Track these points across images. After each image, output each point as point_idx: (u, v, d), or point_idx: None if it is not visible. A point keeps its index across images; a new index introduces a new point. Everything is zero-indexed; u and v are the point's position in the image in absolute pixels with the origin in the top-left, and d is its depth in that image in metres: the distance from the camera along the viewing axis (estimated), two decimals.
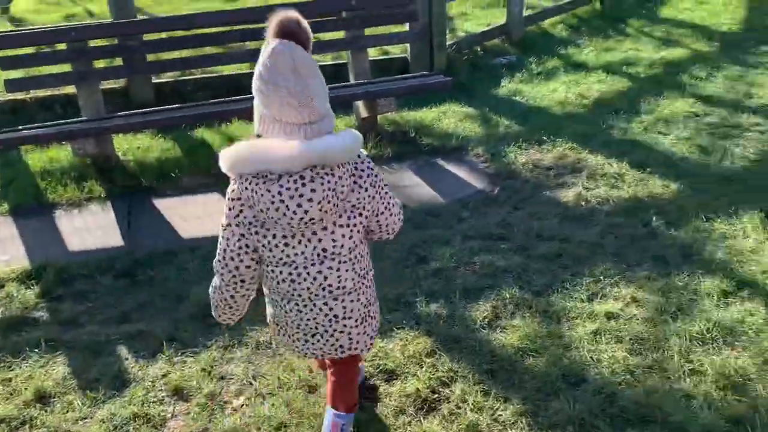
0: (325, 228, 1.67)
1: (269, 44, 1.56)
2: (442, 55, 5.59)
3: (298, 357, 2.28)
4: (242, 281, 1.76)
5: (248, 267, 1.73)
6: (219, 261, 1.74)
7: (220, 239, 1.72)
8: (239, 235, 1.68)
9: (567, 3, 7.16)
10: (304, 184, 1.56)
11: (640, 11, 7.52)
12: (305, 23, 1.62)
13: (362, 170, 1.68)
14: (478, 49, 6.18)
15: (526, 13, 6.79)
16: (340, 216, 1.68)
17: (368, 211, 1.72)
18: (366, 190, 1.69)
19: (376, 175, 1.71)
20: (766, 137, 4.20)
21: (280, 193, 1.56)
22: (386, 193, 1.77)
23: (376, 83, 4.25)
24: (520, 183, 3.79)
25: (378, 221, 1.78)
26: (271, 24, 1.58)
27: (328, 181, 1.58)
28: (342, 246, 1.71)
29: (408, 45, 5.56)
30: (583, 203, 3.50)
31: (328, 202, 1.60)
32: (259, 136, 1.62)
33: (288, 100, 1.53)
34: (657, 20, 7.12)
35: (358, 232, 1.73)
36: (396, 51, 5.97)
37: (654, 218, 3.27)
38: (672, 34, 6.63)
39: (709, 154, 4.00)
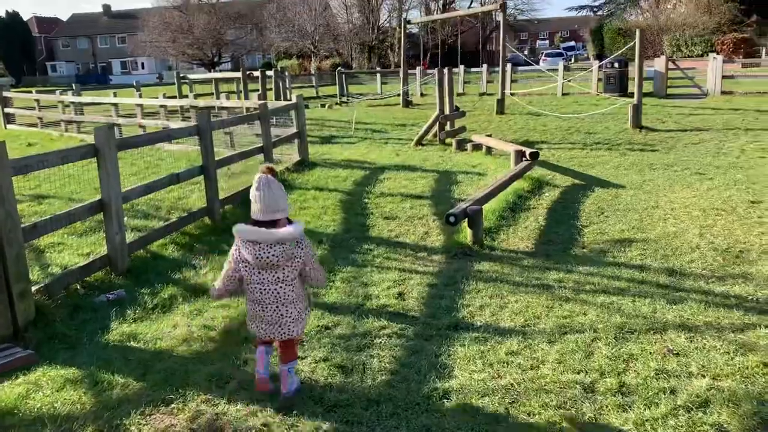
0: (281, 267, 3.32)
1: (258, 175, 3.31)
2: (27, 304, 4.51)
3: (258, 338, 3.58)
4: (230, 286, 3.49)
5: (234, 280, 3.46)
6: (223, 276, 3.48)
7: (225, 264, 3.47)
8: (234, 265, 3.41)
9: (174, 222, 6.81)
10: (269, 249, 3.26)
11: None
12: (275, 169, 3.48)
13: (301, 242, 3.34)
14: (78, 287, 5.26)
15: (130, 237, 6.19)
16: (288, 260, 3.31)
17: (302, 261, 3.36)
18: (302, 250, 3.35)
19: (308, 246, 3.40)
20: (395, 341, 4.25)
21: (258, 252, 3.27)
22: (312, 257, 3.43)
23: None
24: None
25: (306, 268, 3.42)
26: (263, 167, 3.41)
27: (282, 249, 3.27)
28: (288, 276, 3.36)
29: None
30: None
31: (282, 257, 3.29)
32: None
33: (262, 202, 3.28)
34: None
35: (296, 270, 3.38)
36: None
37: None
38: None
39: (350, 374, 3.80)
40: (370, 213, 7.97)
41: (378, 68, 37.83)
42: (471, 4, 58.01)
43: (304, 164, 11.05)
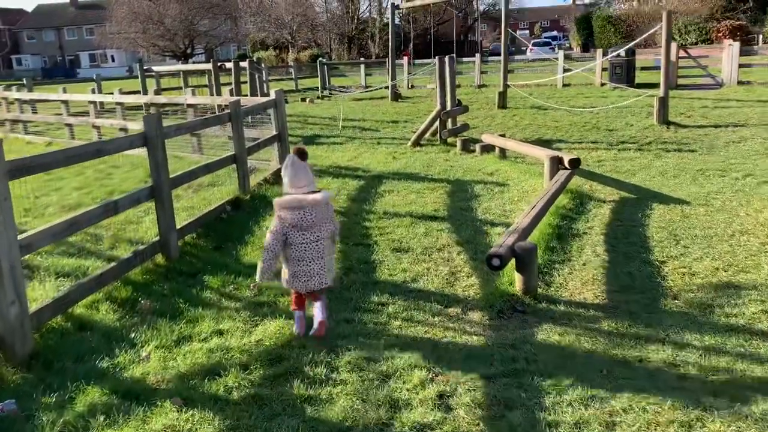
0: (317, 227, 3.97)
1: (290, 157, 4.01)
2: None
3: (298, 292, 4.10)
4: (273, 260, 4.00)
5: (277, 251, 3.99)
6: (269, 243, 3.98)
7: (269, 235, 3.99)
8: (280, 231, 3.95)
9: (111, 269, 4.91)
10: (311, 210, 3.93)
11: (218, 258, 5.79)
12: (305, 150, 4.09)
13: (329, 206, 4.05)
14: None
15: (44, 296, 4.32)
16: (324, 221, 4.00)
17: (330, 221, 4.07)
18: (330, 211, 4.08)
19: (332, 207, 4.13)
20: None
21: (300, 214, 3.91)
22: (333, 215, 4.15)
23: None
24: None
25: (332, 227, 4.12)
26: (294, 149, 4.05)
27: (317, 211, 3.95)
28: (322, 235, 4.01)
29: None
30: None
31: (317, 218, 3.94)
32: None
33: (298, 179, 3.98)
34: (242, 270, 5.42)
35: (328, 230, 4.05)
36: None
37: None
38: (267, 291, 4.96)
39: None
40: (374, 242, 6.17)
41: (361, 59, 35.86)
42: None
43: None
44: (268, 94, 13.82)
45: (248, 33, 53.75)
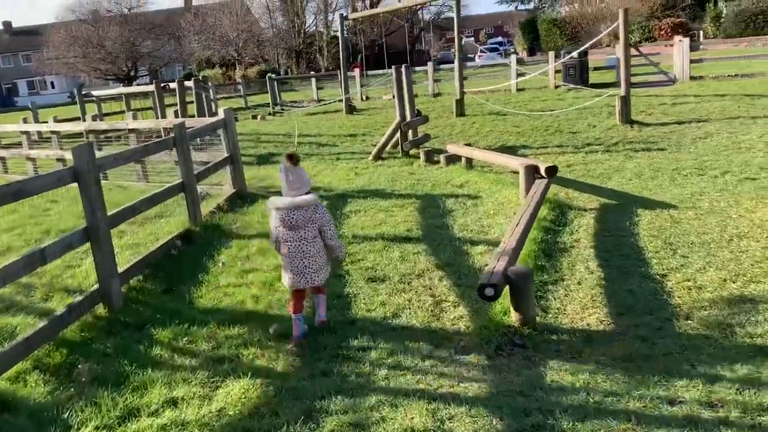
0: (302, 227, 4.17)
1: (283, 164, 4.21)
2: None
3: (290, 287, 4.30)
4: (277, 247, 4.34)
5: (278, 239, 4.28)
6: (271, 232, 4.34)
7: (271, 229, 4.31)
8: (275, 228, 4.24)
9: (40, 330, 4.14)
10: (291, 212, 4.15)
11: (168, 303, 5.08)
12: (296, 155, 4.26)
13: (317, 208, 4.22)
14: None
15: None
16: (307, 222, 4.18)
17: (319, 223, 4.23)
18: (318, 214, 4.22)
19: (324, 211, 4.27)
20: None
21: (283, 215, 4.16)
22: (329, 221, 4.29)
23: None
24: None
25: (323, 231, 4.27)
26: (285, 155, 4.22)
27: (301, 213, 4.15)
28: (308, 235, 4.20)
29: None
30: None
31: (301, 220, 4.15)
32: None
33: (291, 183, 4.18)
34: (197, 317, 4.72)
35: (317, 230, 4.24)
36: None
37: None
38: (227, 341, 4.29)
39: None
40: (345, 272, 5.55)
41: (311, 72, 35.21)
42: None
43: (242, 197, 8.50)
44: (216, 114, 13.08)
45: (193, 52, 52.51)
